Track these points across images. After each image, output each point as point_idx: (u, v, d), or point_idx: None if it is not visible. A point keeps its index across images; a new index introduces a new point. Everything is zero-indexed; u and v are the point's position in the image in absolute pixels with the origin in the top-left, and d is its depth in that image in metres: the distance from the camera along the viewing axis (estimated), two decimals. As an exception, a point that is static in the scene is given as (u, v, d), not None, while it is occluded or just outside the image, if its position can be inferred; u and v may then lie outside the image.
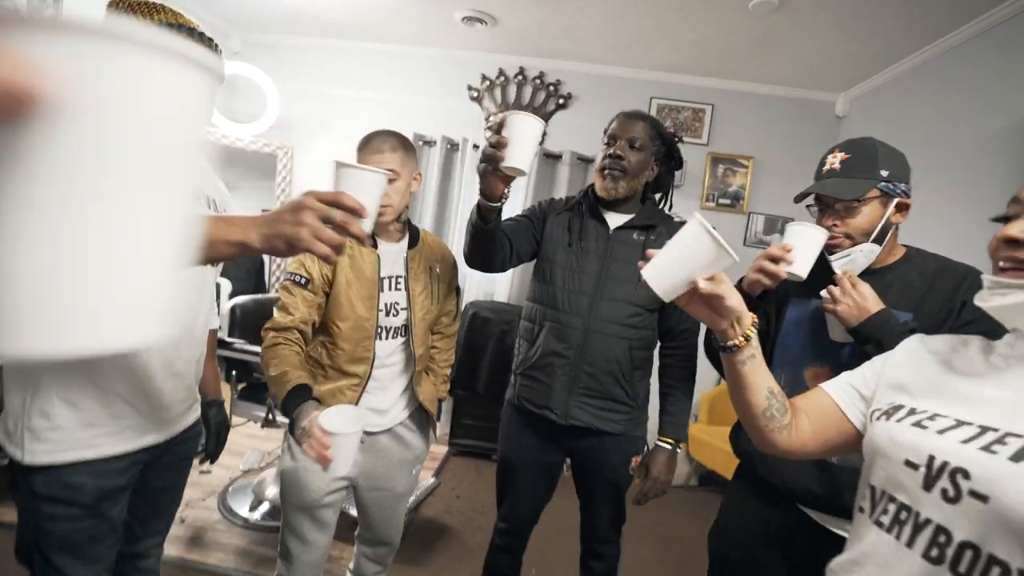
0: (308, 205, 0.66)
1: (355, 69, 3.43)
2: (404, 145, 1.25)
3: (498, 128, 1.04)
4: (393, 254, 1.31)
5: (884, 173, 1.01)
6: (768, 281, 1.00)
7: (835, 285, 0.99)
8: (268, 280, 3.45)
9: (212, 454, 1.33)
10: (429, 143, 3.35)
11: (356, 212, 0.69)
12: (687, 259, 0.70)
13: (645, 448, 1.42)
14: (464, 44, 3.23)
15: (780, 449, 0.78)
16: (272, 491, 2.27)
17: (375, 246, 1.29)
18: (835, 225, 1.04)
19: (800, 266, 0.99)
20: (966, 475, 0.54)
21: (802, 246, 0.99)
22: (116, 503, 1.03)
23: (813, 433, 0.77)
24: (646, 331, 1.35)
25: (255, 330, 2.27)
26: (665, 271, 0.72)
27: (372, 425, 1.31)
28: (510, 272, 3.22)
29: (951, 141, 2.24)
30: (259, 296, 2.59)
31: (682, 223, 1.32)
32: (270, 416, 2.06)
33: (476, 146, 3.28)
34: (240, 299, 2.26)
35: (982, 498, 0.52)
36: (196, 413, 1.21)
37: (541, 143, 1.12)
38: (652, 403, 1.44)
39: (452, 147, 3.32)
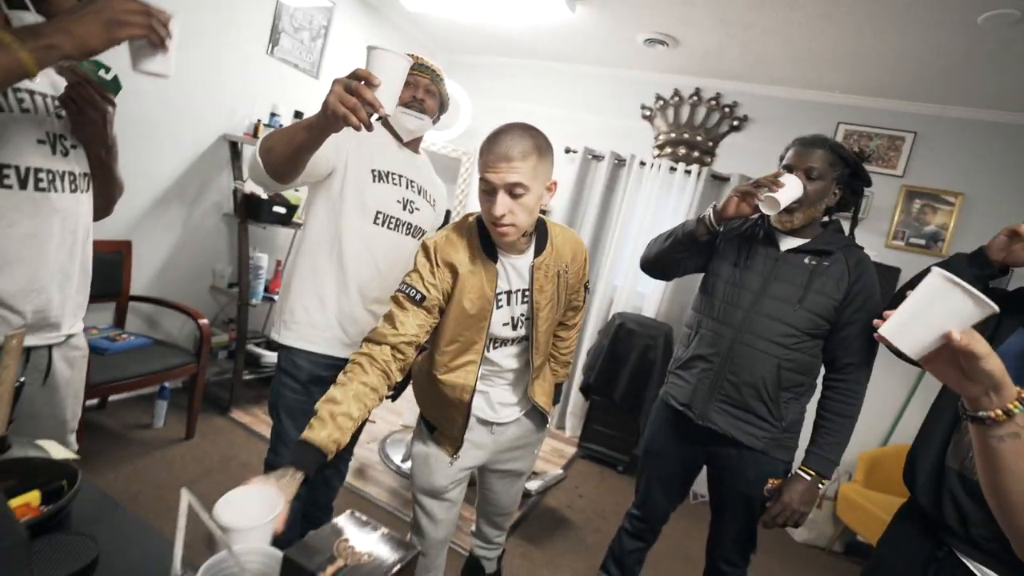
0: (334, 82, 0.90)
1: (538, 85, 3.76)
2: (539, 150, 1.04)
3: (776, 174, 1.29)
4: (516, 267, 1.18)
5: None
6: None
7: None
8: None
9: (395, 391, 1.61)
10: (597, 157, 3.51)
11: (369, 81, 0.88)
12: (935, 315, 0.63)
13: (786, 474, 1.38)
14: (643, 65, 3.34)
15: None
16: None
17: (494, 259, 1.15)
18: None
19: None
20: None
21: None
22: (321, 389, 1.30)
23: None
24: (801, 355, 1.33)
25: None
26: (908, 327, 0.65)
27: (502, 417, 1.33)
28: (661, 289, 3.23)
29: None
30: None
31: (863, 250, 1.31)
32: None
33: (643, 163, 3.36)
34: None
35: None
36: None
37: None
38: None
39: (619, 162, 3.45)
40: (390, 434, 2.87)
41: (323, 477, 1.56)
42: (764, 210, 1.27)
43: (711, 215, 1.36)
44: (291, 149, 1.09)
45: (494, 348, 1.23)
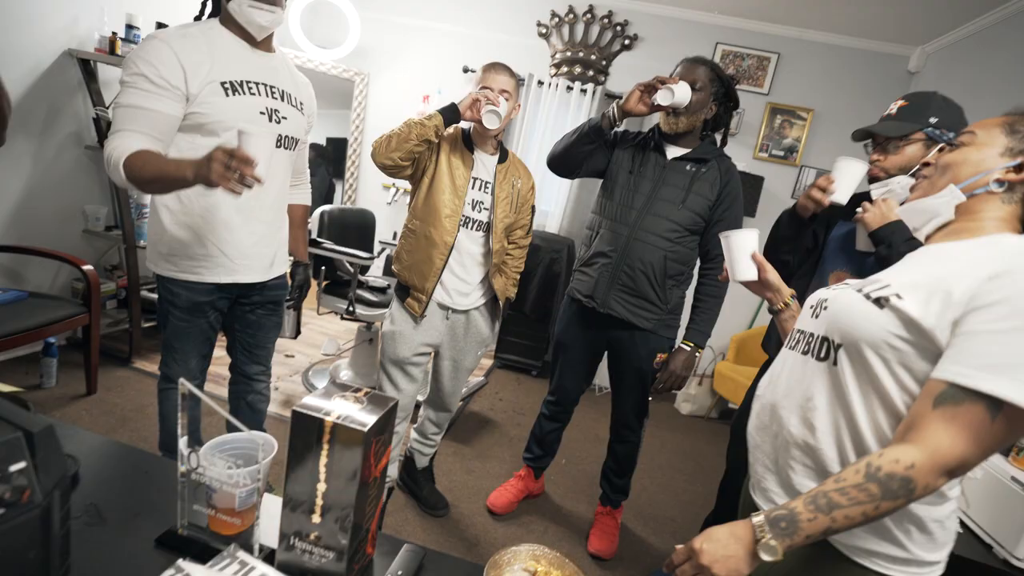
0: (215, 157, 0.98)
1: (432, 1, 3.57)
2: (515, 77, 1.58)
3: (666, 81, 1.46)
4: (486, 162, 1.59)
5: (932, 120, 1.18)
6: (813, 205, 1.27)
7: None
8: (342, 196, 3.78)
9: (295, 302, 1.69)
10: (495, 77, 3.50)
11: (248, 161, 0.99)
12: (740, 253, 1.02)
13: (670, 348, 1.67)
14: (537, -21, 3.30)
15: None
16: (346, 375, 2.68)
17: (472, 152, 1.57)
18: (878, 160, 1.25)
19: (841, 193, 1.23)
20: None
21: (845, 177, 1.22)
22: (203, 315, 1.40)
23: None
24: (683, 248, 1.58)
25: (340, 233, 2.60)
26: (735, 268, 1.03)
27: (455, 303, 1.63)
28: (562, 205, 3.43)
29: None
30: (344, 206, 2.91)
31: (731, 160, 1.55)
32: (350, 308, 2.42)
33: (541, 82, 3.42)
34: (327, 207, 2.58)
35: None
36: (279, 269, 1.50)
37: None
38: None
39: (518, 82, 3.46)
40: (311, 365, 2.90)
41: (247, 403, 1.62)
42: (659, 101, 1.45)
43: (615, 109, 1.52)
44: (157, 180, 1.12)
45: (462, 227, 1.55)
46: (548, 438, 1.96)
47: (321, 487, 0.62)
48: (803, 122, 3.31)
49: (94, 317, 2.17)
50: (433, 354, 1.75)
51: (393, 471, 1.78)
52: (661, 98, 1.45)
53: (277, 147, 1.35)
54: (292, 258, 1.65)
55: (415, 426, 1.94)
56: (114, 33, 2.39)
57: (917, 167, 0.86)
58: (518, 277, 1.79)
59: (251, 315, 1.51)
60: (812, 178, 3.32)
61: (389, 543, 0.76)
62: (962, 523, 1.56)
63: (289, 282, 1.64)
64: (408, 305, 1.63)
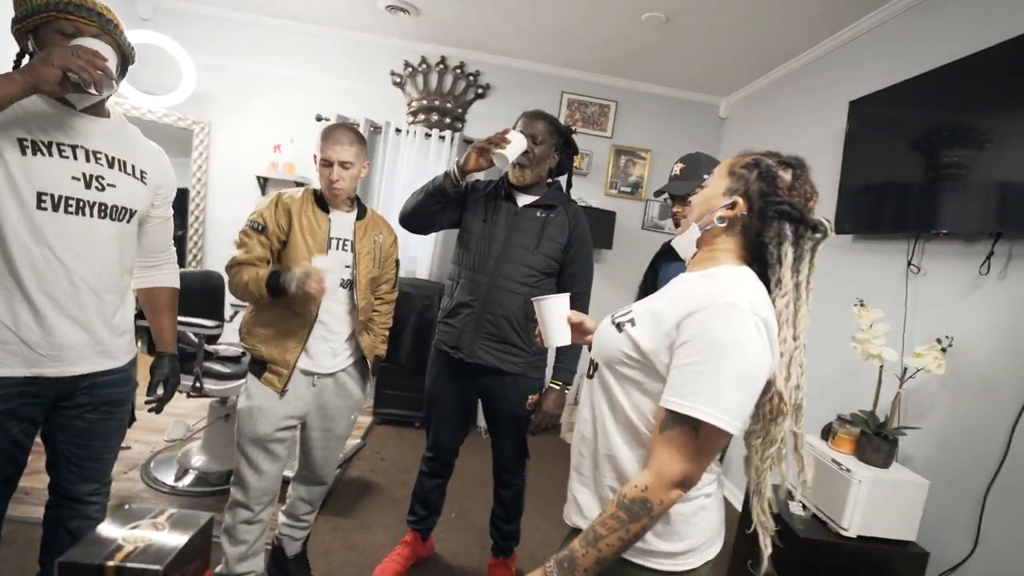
0: (54, 52, 0.95)
1: (275, 46, 3.43)
2: (359, 140, 1.52)
3: (503, 132, 1.53)
4: (343, 221, 1.56)
5: (705, 176, 1.44)
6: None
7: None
8: (185, 256, 3.39)
9: (159, 403, 1.40)
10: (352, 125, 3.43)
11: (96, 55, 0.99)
12: (556, 316, 1.06)
13: (541, 389, 1.70)
14: (387, 31, 3.35)
15: None
16: (199, 460, 2.34)
17: (327, 212, 1.54)
18: (678, 212, 1.59)
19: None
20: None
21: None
22: (12, 418, 1.11)
23: None
24: (541, 291, 1.63)
25: (182, 299, 2.32)
26: (550, 332, 1.06)
27: (322, 367, 1.53)
28: (431, 251, 3.42)
29: (803, 139, 2.72)
30: (187, 268, 2.59)
31: (577, 204, 1.66)
32: (197, 384, 2.13)
33: (399, 130, 3.42)
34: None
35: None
36: (113, 361, 1.24)
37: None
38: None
39: (375, 129, 3.44)
40: (154, 455, 2.50)
41: (68, 531, 1.28)
42: (496, 163, 1.54)
43: (455, 170, 1.57)
44: None
45: None
46: (431, 496, 1.87)
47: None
48: (644, 160, 3.69)
49: None
50: (300, 426, 1.60)
51: (258, 565, 1.57)
52: (498, 161, 1.53)
53: (101, 218, 1.16)
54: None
55: (283, 508, 1.74)
56: None
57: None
58: (387, 334, 1.73)
59: (79, 421, 1.21)
60: (656, 210, 3.70)
61: None
62: (803, 506, 1.77)
63: (148, 378, 1.38)
64: (267, 380, 1.49)
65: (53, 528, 1.29)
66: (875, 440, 1.66)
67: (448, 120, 3.50)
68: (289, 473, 1.82)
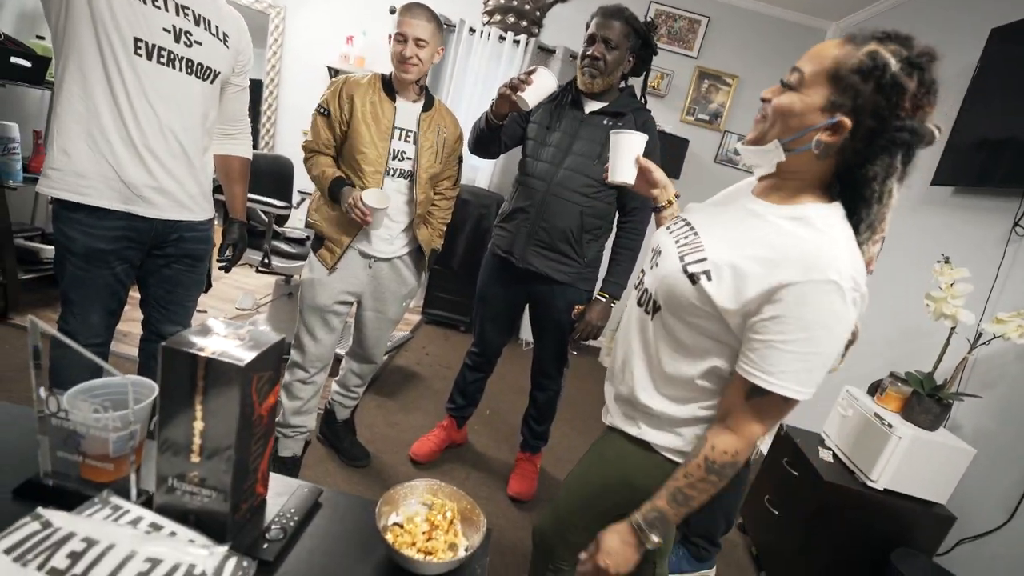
0: None
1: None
2: (437, 20, 1.48)
3: (527, 74, 1.35)
4: (408, 111, 1.53)
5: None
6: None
7: None
8: (258, 142, 3.51)
9: (228, 263, 1.57)
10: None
11: None
12: (625, 153, 1.02)
13: (588, 300, 1.72)
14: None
15: None
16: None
17: (393, 99, 1.51)
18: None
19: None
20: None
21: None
22: (106, 265, 1.25)
23: None
24: (600, 203, 1.60)
25: (253, 180, 2.43)
26: (617, 168, 1.03)
27: (379, 251, 1.59)
28: (492, 161, 3.38)
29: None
30: (257, 151, 2.71)
31: (650, 113, 1.56)
32: (266, 260, 2.29)
33: (472, 29, 3.28)
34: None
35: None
36: (194, 215, 1.34)
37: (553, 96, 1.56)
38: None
39: (449, 27, 3.31)
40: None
41: (157, 361, 1.48)
42: (521, 106, 1.37)
43: (491, 115, 1.49)
44: None
45: (386, 176, 1.52)
46: (470, 388, 1.99)
47: (199, 426, 0.59)
48: (728, 88, 3.41)
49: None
50: (356, 304, 1.71)
51: (310, 422, 1.74)
52: (519, 105, 1.36)
53: (188, 74, 1.22)
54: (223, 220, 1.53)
55: (336, 378, 1.90)
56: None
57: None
58: (444, 229, 1.76)
59: (167, 270, 1.37)
60: (734, 143, 3.46)
61: (286, 484, 0.75)
62: (834, 455, 1.77)
63: (220, 240, 1.51)
64: (320, 256, 1.58)
65: (146, 360, 1.49)
66: (926, 401, 1.61)
67: (524, 23, 3.32)
68: (341, 351, 1.97)
